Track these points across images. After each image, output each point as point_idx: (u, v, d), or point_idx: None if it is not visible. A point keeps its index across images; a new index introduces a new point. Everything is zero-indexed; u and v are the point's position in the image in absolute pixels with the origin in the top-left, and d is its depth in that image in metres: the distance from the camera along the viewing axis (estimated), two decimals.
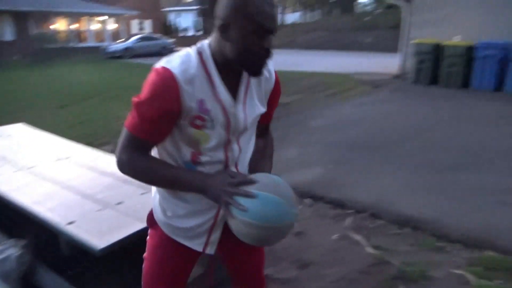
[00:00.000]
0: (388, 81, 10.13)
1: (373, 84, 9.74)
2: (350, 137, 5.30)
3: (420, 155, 4.58)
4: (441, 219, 3.02)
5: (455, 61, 8.78)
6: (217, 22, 1.03)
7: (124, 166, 1.10)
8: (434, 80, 9.21)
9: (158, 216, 1.24)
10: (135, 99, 1.05)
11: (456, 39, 8.93)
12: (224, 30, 1.02)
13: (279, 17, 36.49)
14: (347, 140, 5.15)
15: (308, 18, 37.07)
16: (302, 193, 3.49)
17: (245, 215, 1.04)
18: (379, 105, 7.42)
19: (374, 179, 3.88)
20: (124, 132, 1.10)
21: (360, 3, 28.67)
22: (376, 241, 2.78)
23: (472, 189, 3.60)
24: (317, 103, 7.70)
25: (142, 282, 1.31)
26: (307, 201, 3.42)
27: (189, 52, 1.08)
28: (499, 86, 8.38)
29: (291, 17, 36.75)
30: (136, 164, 1.10)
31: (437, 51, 9.08)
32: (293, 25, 30.93)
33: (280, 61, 15.97)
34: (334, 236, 2.84)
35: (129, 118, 1.08)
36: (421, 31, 9.60)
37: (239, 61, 1.05)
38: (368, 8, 27.42)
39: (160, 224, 1.24)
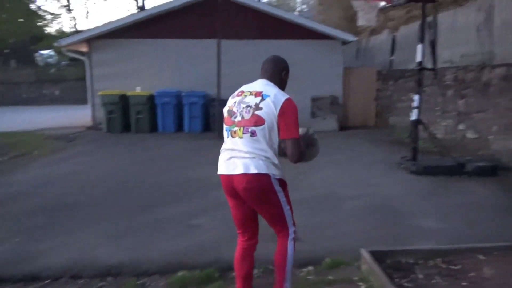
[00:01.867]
0: (83, 133, 10.00)
1: (67, 138, 9.36)
2: (45, 201, 4.82)
3: (118, 201, 4.75)
4: (139, 258, 3.23)
5: (141, 108, 9.72)
6: (284, 73, 2.40)
7: (303, 155, 2.23)
8: (126, 127, 9.82)
9: (274, 170, 2.20)
10: (296, 117, 2.18)
11: (138, 90, 9.92)
12: (285, 74, 2.41)
13: None
14: (40, 205, 4.66)
15: None
16: None
17: (318, 144, 2.48)
18: (75, 160, 7.19)
19: (74, 238, 3.70)
20: (295, 141, 2.17)
21: (41, 54, 27.00)
22: None
23: (164, 221, 4.06)
24: None
25: (287, 209, 2.32)
26: None
27: (276, 87, 2.30)
28: (179, 127, 9.90)
29: None
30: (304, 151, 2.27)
31: (124, 101, 9.77)
32: None
33: None
34: None
35: (295, 131, 2.17)
36: (105, 83, 10.09)
37: (283, 89, 2.35)
38: (51, 60, 26.21)
39: (280, 175, 2.25)
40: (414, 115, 6.18)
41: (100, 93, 9.84)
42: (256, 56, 10.25)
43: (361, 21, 6.36)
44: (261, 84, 2.29)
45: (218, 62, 8.93)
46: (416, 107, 6.14)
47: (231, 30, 9.70)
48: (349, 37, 10.65)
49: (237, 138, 2.19)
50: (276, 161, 2.20)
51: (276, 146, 2.20)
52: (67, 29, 27.09)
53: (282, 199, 2.26)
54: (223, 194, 2.32)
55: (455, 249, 3.16)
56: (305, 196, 4.70)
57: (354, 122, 10.82)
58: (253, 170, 2.12)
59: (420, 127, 6.24)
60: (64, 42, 10.64)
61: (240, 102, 2.24)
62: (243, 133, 2.17)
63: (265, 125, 2.14)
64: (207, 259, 3.20)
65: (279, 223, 2.31)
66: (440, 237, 3.63)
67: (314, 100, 10.20)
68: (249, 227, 2.37)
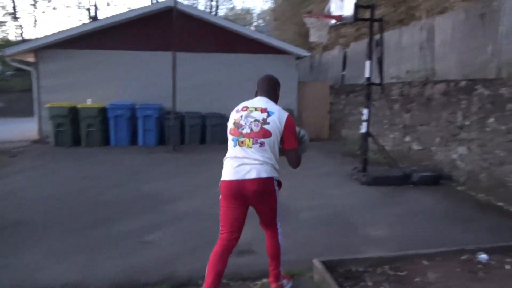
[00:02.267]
0: (28, 148, 9.46)
1: (10, 153, 8.81)
2: None
3: (65, 219, 4.52)
4: (88, 277, 3.09)
5: (92, 121, 9.37)
6: (278, 89, 2.84)
7: (300, 159, 2.72)
8: (75, 141, 9.41)
9: (276, 174, 2.63)
10: (295, 130, 2.68)
11: (89, 102, 9.57)
12: (278, 90, 2.84)
13: None
14: None
15: None
16: None
17: (308, 141, 2.91)
18: (18, 176, 6.77)
19: (16, 259, 3.46)
20: (296, 151, 2.67)
21: None
22: None
23: (115, 238, 3.92)
24: None
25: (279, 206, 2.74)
26: None
27: (275, 103, 2.73)
28: (132, 140, 9.64)
29: None
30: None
31: (73, 113, 9.37)
32: None
33: None
34: None
35: (295, 142, 2.67)
36: (53, 95, 9.65)
37: (277, 103, 2.77)
38: None
39: (276, 177, 2.65)
40: (363, 128, 6.46)
41: (48, 105, 9.39)
42: (212, 69, 10.42)
43: (313, 38, 6.58)
44: (264, 102, 2.69)
45: (173, 74, 8.85)
46: (366, 120, 6.42)
47: (186, 43, 9.68)
48: (303, 52, 10.97)
49: (245, 147, 2.56)
50: (277, 167, 2.64)
51: (277, 154, 2.64)
52: (12, 37, 25.75)
53: (277, 197, 2.69)
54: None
55: (401, 256, 3.31)
56: None
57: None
58: (263, 175, 2.53)
59: (370, 139, 6.53)
60: (9, 51, 10.08)
61: (247, 116, 2.61)
62: (253, 144, 2.55)
63: (272, 137, 2.56)
64: (160, 275, 3.13)
65: (273, 218, 2.74)
66: (388, 245, 3.79)
67: None
68: (239, 227, 2.64)
